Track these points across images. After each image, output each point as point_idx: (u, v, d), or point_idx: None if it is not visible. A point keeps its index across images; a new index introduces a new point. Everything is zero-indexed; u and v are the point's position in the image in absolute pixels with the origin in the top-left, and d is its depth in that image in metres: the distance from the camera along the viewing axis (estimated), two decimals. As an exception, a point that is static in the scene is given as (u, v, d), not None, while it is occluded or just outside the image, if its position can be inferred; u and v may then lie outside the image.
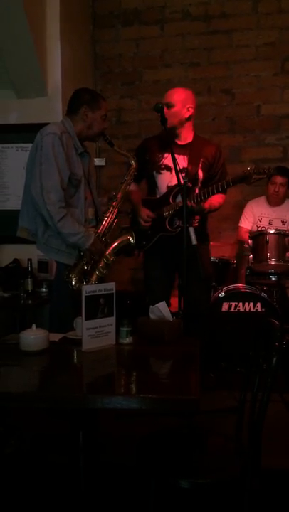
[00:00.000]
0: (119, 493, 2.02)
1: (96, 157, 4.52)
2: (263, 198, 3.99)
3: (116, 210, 2.68)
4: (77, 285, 2.50)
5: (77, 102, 2.62)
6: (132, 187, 3.18)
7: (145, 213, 3.02)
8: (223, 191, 2.97)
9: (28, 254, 3.41)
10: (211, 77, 4.45)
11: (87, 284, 2.49)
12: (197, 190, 2.99)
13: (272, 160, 4.31)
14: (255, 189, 3.84)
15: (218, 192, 2.92)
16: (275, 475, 2.05)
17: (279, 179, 3.77)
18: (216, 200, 3.04)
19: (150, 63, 4.55)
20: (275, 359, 1.44)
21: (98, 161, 4.52)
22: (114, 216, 2.68)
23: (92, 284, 2.48)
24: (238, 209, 4.14)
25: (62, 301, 2.57)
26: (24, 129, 3.62)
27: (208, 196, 2.92)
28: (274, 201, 3.90)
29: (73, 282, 2.50)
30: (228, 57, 4.42)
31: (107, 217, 2.66)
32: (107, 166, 4.55)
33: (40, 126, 2.60)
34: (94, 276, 2.57)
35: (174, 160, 2.64)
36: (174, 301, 3.04)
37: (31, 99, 3.64)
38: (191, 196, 2.92)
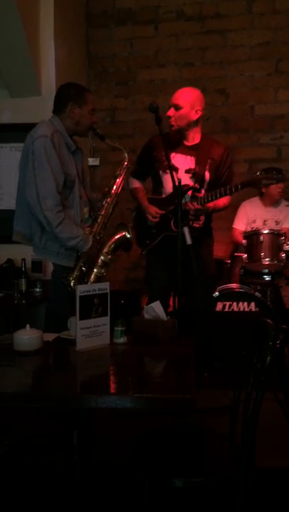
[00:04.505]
0: (114, 493, 2.02)
1: (90, 157, 4.51)
2: (256, 199, 4.00)
3: (111, 207, 2.64)
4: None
5: (62, 99, 2.55)
6: (137, 184, 3.19)
7: (153, 210, 3.00)
8: (231, 194, 2.96)
9: (22, 254, 3.40)
10: (205, 77, 4.45)
11: (85, 284, 2.48)
12: (203, 192, 2.99)
13: (266, 160, 4.33)
14: (249, 189, 3.85)
15: (225, 195, 2.92)
16: (269, 474, 2.05)
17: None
18: (222, 201, 3.04)
19: (144, 63, 4.55)
20: (268, 358, 1.45)
21: (92, 161, 4.51)
22: (109, 213, 2.64)
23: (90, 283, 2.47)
24: (232, 209, 4.12)
25: (60, 302, 2.56)
26: (18, 128, 3.60)
27: (215, 199, 2.93)
28: (275, 201, 3.90)
29: (72, 284, 2.49)
30: (223, 57, 4.43)
31: (103, 216, 2.62)
32: (102, 165, 4.55)
33: (34, 125, 2.56)
34: (92, 276, 2.55)
35: (168, 160, 2.66)
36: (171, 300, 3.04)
37: (25, 99, 3.63)
38: (198, 197, 2.92)
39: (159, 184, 3.08)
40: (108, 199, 2.65)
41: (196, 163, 2.98)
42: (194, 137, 3.04)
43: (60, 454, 1.69)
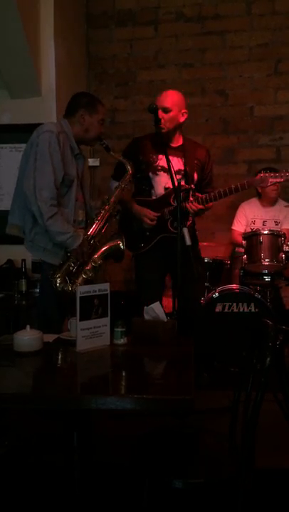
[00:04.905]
0: (114, 493, 2.02)
1: (90, 157, 4.51)
2: (254, 200, 4.01)
3: (107, 214, 2.66)
4: (62, 285, 2.47)
5: (75, 105, 2.63)
6: None
7: (148, 212, 2.98)
8: (236, 193, 2.99)
9: (22, 254, 3.40)
10: (204, 78, 4.46)
11: (72, 285, 2.47)
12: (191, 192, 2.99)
13: (265, 161, 4.33)
14: (249, 190, 3.86)
15: (230, 194, 2.95)
16: (269, 474, 2.06)
17: None
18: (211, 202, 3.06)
19: (144, 64, 4.56)
20: (268, 359, 1.45)
21: (92, 162, 4.51)
22: (105, 220, 2.65)
23: (78, 286, 2.45)
24: (232, 210, 4.16)
25: (47, 301, 2.56)
26: (18, 129, 3.61)
27: (219, 198, 2.95)
28: (272, 201, 3.91)
29: (58, 283, 2.48)
30: (222, 58, 4.44)
31: (98, 221, 2.63)
32: (101, 166, 4.55)
33: (34, 126, 2.59)
34: (80, 279, 2.52)
35: (168, 161, 2.65)
36: (168, 301, 3.04)
37: (25, 100, 3.63)
38: (198, 197, 2.93)
39: (148, 186, 3.03)
40: (106, 206, 2.67)
41: (185, 164, 2.99)
42: (178, 139, 3.05)
43: (60, 454, 1.69)
